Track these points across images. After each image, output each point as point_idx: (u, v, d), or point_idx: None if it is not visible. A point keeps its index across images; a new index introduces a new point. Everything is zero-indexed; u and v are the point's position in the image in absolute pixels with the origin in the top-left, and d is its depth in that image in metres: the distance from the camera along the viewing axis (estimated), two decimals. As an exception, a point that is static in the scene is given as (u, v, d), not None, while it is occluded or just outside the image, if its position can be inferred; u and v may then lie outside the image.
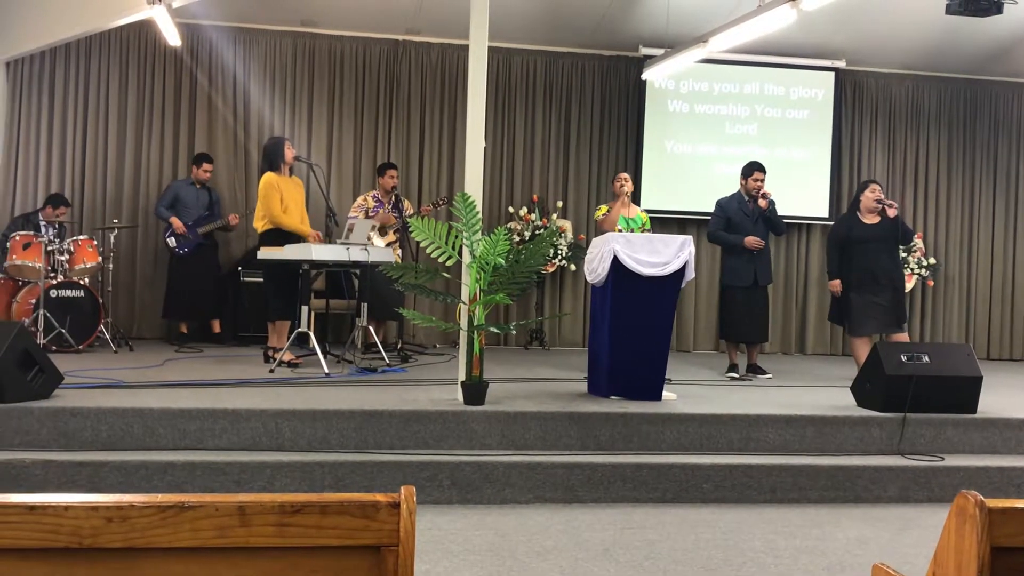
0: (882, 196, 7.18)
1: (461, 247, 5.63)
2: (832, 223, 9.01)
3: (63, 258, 7.61)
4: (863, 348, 6.96)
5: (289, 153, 7.08)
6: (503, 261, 5.49)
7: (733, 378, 7.32)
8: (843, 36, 9.55)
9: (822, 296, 9.97)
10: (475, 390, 5.39)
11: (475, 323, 5.49)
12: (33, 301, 7.39)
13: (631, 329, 5.85)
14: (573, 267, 9.51)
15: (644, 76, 9.42)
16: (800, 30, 8.76)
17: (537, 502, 4.88)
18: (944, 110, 10.47)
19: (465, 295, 5.62)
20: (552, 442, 5.23)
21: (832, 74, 10.10)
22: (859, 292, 7.09)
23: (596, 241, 6.13)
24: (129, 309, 9.10)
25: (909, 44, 9.75)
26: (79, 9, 8.12)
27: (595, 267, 6.00)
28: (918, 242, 10.14)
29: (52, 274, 7.53)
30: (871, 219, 7.17)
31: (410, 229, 5.75)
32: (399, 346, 7.89)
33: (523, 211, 9.61)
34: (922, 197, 10.45)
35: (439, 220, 6.06)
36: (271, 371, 6.53)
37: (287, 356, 6.79)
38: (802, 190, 9.98)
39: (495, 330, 5.76)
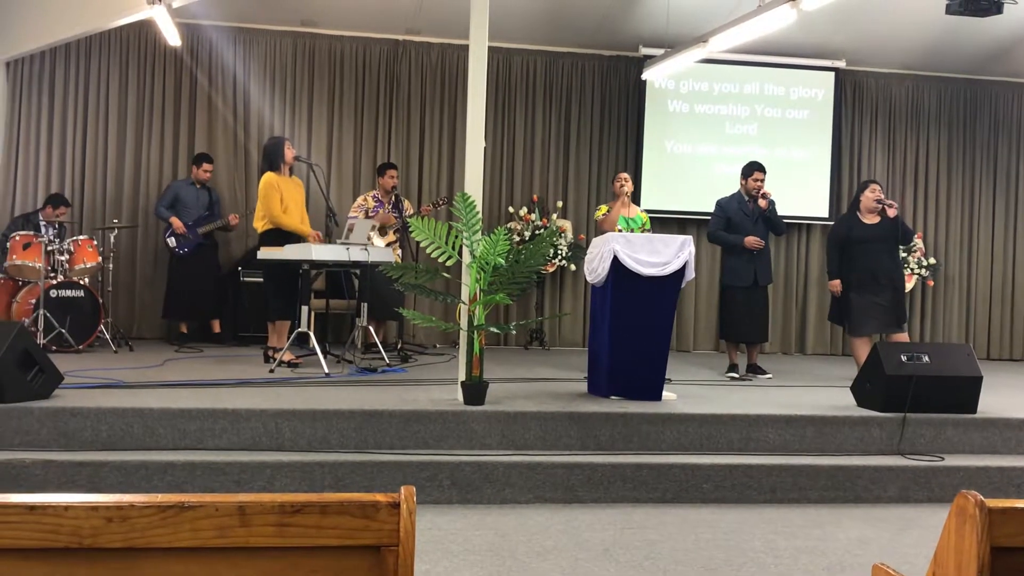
0: (882, 196, 7.18)
1: (461, 247, 5.63)
2: (832, 223, 9.02)
3: (63, 258, 7.61)
4: (863, 348, 6.96)
5: (289, 153, 7.08)
6: (503, 261, 5.49)
7: (733, 378, 7.32)
8: (843, 36, 9.55)
9: (822, 296, 9.97)
10: (475, 390, 5.39)
11: (475, 323, 5.49)
12: (33, 301, 7.39)
13: (631, 329, 5.85)
14: (573, 267, 9.51)
15: (644, 76, 9.42)
16: (800, 30, 8.76)
17: (537, 502, 4.88)
18: (944, 110, 10.47)
19: (465, 295, 5.62)
20: (552, 442, 5.23)
21: (832, 74, 10.10)
22: (859, 292, 7.09)
23: (596, 241, 6.13)
24: (129, 309, 9.10)
25: (909, 44, 9.75)
26: (79, 9, 8.12)
27: (595, 267, 6.00)
28: (918, 242, 10.14)
29: (52, 274, 7.53)
30: (871, 219, 7.17)
31: (410, 229, 5.75)
32: (399, 346, 7.89)
33: (523, 211, 9.61)
34: (922, 197, 10.45)
35: (439, 220, 6.06)
36: (271, 371, 6.53)
37: (287, 356, 6.79)
38: (802, 190, 9.98)
39: (495, 330, 5.76)
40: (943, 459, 5.39)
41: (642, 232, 7.14)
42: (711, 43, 7.67)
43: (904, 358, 5.74)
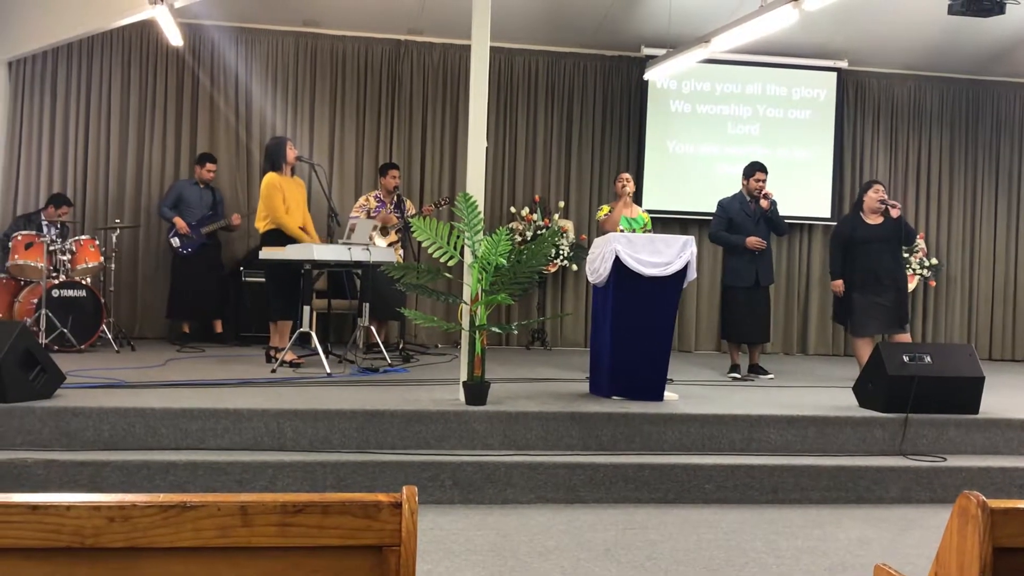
0: (885, 196, 7.18)
1: (463, 247, 5.63)
2: (834, 223, 9.01)
3: (65, 258, 7.62)
4: (865, 348, 6.95)
5: (291, 153, 7.08)
6: (505, 261, 5.49)
7: (735, 378, 7.32)
8: (845, 36, 9.54)
9: (824, 296, 9.96)
10: (477, 390, 5.39)
11: (477, 323, 5.49)
12: (35, 301, 7.40)
13: (633, 329, 5.85)
14: (575, 267, 9.51)
15: (646, 76, 9.42)
16: (802, 30, 8.76)
17: (539, 502, 4.88)
18: (946, 110, 10.46)
19: (467, 295, 5.62)
20: (554, 442, 5.23)
21: (834, 74, 10.09)
22: (862, 292, 7.08)
23: (598, 241, 6.13)
24: (131, 309, 9.10)
25: (911, 44, 9.74)
26: (81, 9, 8.13)
27: (597, 267, 5.99)
28: (920, 242, 10.13)
29: (54, 274, 7.53)
30: (874, 219, 7.16)
31: (412, 229, 5.75)
32: (401, 346, 7.89)
33: (525, 211, 9.61)
34: (924, 197, 10.44)
35: (441, 220, 6.06)
36: (273, 371, 6.53)
37: (289, 356, 6.79)
38: (804, 190, 9.97)
39: (497, 330, 5.76)
40: (945, 460, 5.38)
41: (644, 232, 7.14)
42: (713, 43, 7.67)
43: (906, 358, 5.74)
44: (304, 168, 8.49)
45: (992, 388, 6.34)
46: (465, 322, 5.61)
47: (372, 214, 8.19)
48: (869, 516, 4.88)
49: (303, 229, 7.07)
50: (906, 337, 7.10)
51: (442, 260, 5.65)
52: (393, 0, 8.89)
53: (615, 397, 5.84)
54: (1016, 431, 5.67)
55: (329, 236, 7.82)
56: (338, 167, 9.49)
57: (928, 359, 5.76)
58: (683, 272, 5.91)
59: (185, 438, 4.92)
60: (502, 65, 9.67)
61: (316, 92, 9.45)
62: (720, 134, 9.98)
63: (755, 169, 7.50)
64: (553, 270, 9.56)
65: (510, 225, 9.33)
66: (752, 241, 7.32)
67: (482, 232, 5.56)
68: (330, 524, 1.50)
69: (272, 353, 6.95)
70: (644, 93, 9.81)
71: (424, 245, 5.70)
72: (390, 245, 8.08)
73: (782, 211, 7.61)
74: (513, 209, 9.69)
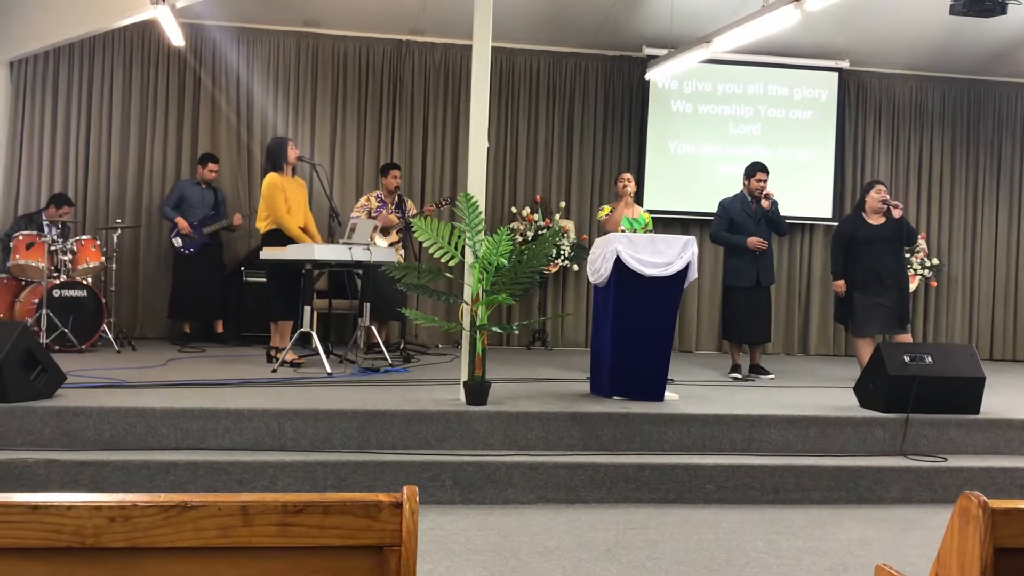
0: (887, 197, 7.18)
1: (464, 247, 5.63)
2: (835, 224, 9.01)
3: (66, 258, 7.62)
4: (866, 349, 6.94)
5: (292, 153, 7.08)
6: (506, 261, 5.49)
7: (736, 378, 7.32)
8: (847, 36, 9.54)
9: (825, 296, 9.96)
10: (477, 390, 5.39)
11: (478, 323, 5.49)
12: (36, 301, 7.40)
13: (634, 329, 5.84)
14: (576, 267, 9.51)
15: (647, 76, 9.42)
16: (804, 30, 8.75)
17: (539, 502, 4.88)
18: (948, 111, 10.46)
19: (468, 295, 5.62)
20: (554, 442, 5.23)
21: (836, 74, 10.08)
22: (863, 292, 7.08)
23: (599, 241, 6.13)
24: (132, 309, 9.11)
25: (913, 44, 9.74)
26: (83, 9, 8.13)
27: (598, 267, 5.99)
28: (921, 243, 10.13)
29: (55, 274, 7.54)
30: (876, 220, 7.16)
31: (413, 229, 5.75)
32: (401, 346, 7.89)
33: (526, 211, 9.61)
34: (925, 198, 10.43)
35: (442, 220, 6.06)
36: (274, 371, 6.53)
37: (290, 356, 6.80)
38: (805, 191, 9.97)
39: (498, 330, 5.76)
40: (946, 460, 5.38)
41: (645, 232, 7.14)
42: (715, 43, 7.66)
43: (907, 359, 5.74)
44: (305, 168, 8.49)
45: (993, 388, 6.34)
46: (466, 322, 5.61)
47: (373, 214, 8.19)
48: (870, 516, 4.88)
49: (305, 229, 7.08)
50: (907, 337, 7.09)
51: (443, 260, 5.65)
52: (394, 0, 8.89)
53: (616, 397, 5.84)
54: (1017, 431, 5.67)
55: (330, 236, 7.82)
56: (339, 167, 9.49)
57: (929, 359, 5.76)
58: (684, 272, 5.90)
59: (186, 438, 4.92)
60: (503, 65, 9.66)
61: (317, 92, 9.45)
62: (721, 134, 9.97)
63: (756, 169, 7.50)
64: (554, 270, 9.56)
65: (511, 225, 9.33)
66: (753, 241, 7.32)
67: (483, 232, 5.56)
68: (331, 524, 1.50)
69: (273, 353, 6.95)
70: (645, 93, 9.81)
71: (425, 245, 5.69)
72: (391, 245, 8.09)
73: (783, 211, 7.61)
74: (514, 209, 9.68)
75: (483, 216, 5.61)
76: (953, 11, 7.35)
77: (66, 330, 7.30)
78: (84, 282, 7.60)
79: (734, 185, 8.06)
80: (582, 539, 4.27)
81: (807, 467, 5.16)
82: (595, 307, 6.32)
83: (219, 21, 9.17)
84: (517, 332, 9.49)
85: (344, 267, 7.11)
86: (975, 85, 10.46)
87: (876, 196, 7.16)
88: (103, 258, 7.96)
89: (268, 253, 6.78)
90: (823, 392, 6.65)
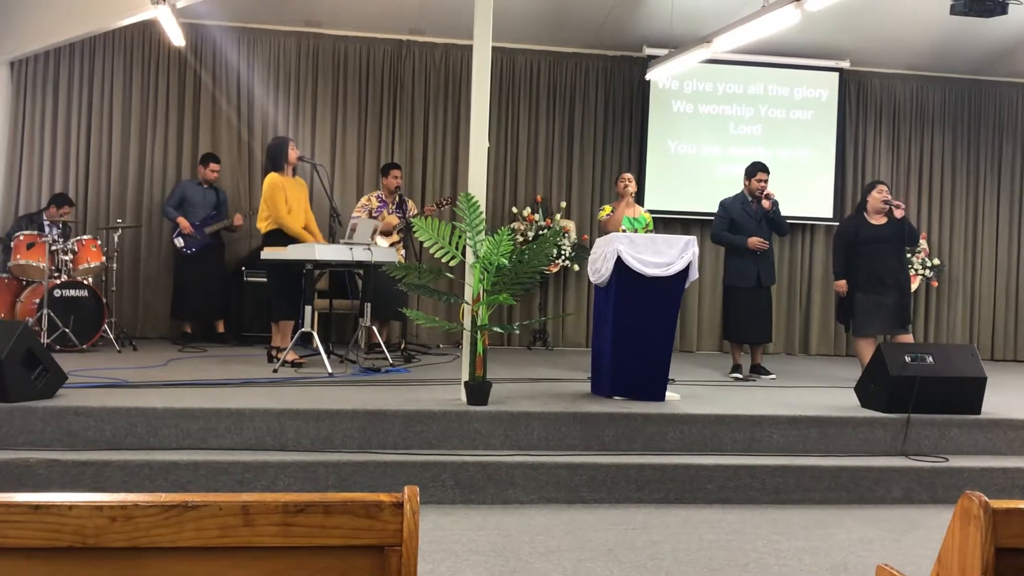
0: (889, 197, 7.17)
1: (464, 247, 5.63)
2: (836, 224, 9.01)
3: (67, 258, 7.62)
4: (867, 349, 6.94)
5: (293, 153, 7.08)
6: (506, 261, 5.49)
7: (737, 379, 7.32)
8: (847, 37, 9.54)
9: (826, 297, 9.96)
10: (478, 390, 5.39)
11: (478, 323, 5.49)
12: (37, 301, 7.40)
13: (635, 329, 5.84)
14: (576, 267, 9.51)
15: (648, 76, 9.42)
16: (804, 31, 8.76)
17: (540, 502, 4.88)
18: (948, 111, 10.45)
19: (468, 295, 5.61)
20: (555, 442, 5.23)
21: (836, 74, 10.08)
22: (865, 293, 7.08)
23: (600, 241, 6.13)
24: (133, 309, 9.11)
25: (913, 45, 9.74)
26: (83, 9, 8.13)
27: (599, 267, 5.99)
28: (922, 243, 10.13)
29: (56, 274, 7.54)
30: (878, 220, 7.16)
31: (414, 229, 5.75)
32: (402, 346, 7.90)
33: (527, 211, 9.61)
34: (926, 198, 10.43)
35: (443, 220, 6.06)
36: (275, 371, 6.53)
37: (291, 356, 6.80)
38: (806, 191, 9.97)
39: (498, 330, 5.76)
40: (947, 460, 5.38)
41: (646, 232, 7.14)
42: (715, 43, 7.67)
43: (908, 359, 5.74)
44: (306, 168, 8.50)
45: (994, 388, 6.34)
46: (467, 322, 5.61)
47: (374, 214, 8.19)
48: (871, 517, 4.88)
49: (306, 229, 7.08)
50: (908, 337, 7.09)
51: (444, 260, 5.65)
52: (395, 0, 8.89)
53: (617, 397, 5.84)
54: (1018, 431, 5.67)
55: (331, 236, 7.82)
56: (340, 167, 9.49)
57: (930, 359, 5.76)
58: (685, 272, 5.90)
59: (187, 438, 4.92)
60: (504, 65, 9.67)
61: (318, 92, 9.45)
62: (722, 134, 9.97)
63: (757, 169, 7.50)
64: (555, 270, 9.56)
65: (512, 225, 9.33)
66: (754, 241, 7.32)
67: (484, 232, 5.56)
68: (332, 524, 1.50)
69: (274, 353, 6.95)
70: (646, 93, 9.81)
71: (426, 245, 5.69)
72: (392, 245, 8.08)
73: (784, 211, 7.61)
74: (515, 209, 9.68)
75: (484, 216, 5.60)
76: (954, 11, 7.35)
77: (67, 330, 7.31)
78: (85, 282, 7.60)
79: (735, 185, 8.06)
80: (583, 539, 4.27)
81: (808, 467, 5.16)
82: (596, 307, 6.32)
83: (219, 21, 9.17)
84: (518, 332, 9.49)
85: (345, 267, 7.11)
86: (976, 85, 10.45)
87: (878, 196, 7.16)
88: (104, 258, 7.96)
89: (269, 253, 6.78)
90: (824, 392, 6.65)
